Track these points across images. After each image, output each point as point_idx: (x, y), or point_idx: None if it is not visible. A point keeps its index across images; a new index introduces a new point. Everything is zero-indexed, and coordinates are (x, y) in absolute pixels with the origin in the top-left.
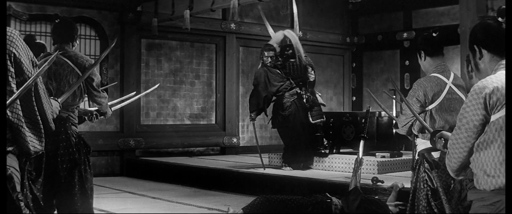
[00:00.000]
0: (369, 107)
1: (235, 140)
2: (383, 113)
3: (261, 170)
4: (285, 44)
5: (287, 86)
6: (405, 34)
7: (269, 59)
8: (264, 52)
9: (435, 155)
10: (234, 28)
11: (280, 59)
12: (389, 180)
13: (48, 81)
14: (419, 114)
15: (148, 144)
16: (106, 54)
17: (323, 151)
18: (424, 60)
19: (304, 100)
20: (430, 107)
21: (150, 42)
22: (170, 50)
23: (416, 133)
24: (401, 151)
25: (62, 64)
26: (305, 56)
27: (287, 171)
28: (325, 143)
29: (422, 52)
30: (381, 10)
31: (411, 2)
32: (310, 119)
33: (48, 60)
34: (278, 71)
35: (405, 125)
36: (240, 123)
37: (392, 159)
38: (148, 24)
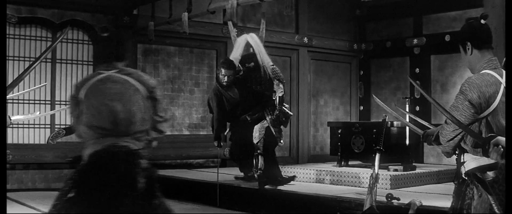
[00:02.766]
0: (386, 115)
1: None
2: (395, 123)
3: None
4: (248, 53)
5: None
6: (415, 41)
7: (226, 79)
8: (222, 69)
9: (491, 174)
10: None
11: (241, 70)
12: (404, 196)
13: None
14: (472, 123)
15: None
16: (49, 51)
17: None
18: (471, 54)
19: (269, 119)
20: (487, 112)
21: (147, 47)
22: (168, 56)
23: (468, 148)
24: (413, 164)
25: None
26: (272, 66)
27: (294, 187)
28: (260, 165)
29: (468, 44)
30: (390, 15)
31: (421, 7)
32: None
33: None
34: (234, 92)
35: (452, 139)
36: None
37: (405, 172)
38: (144, 28)
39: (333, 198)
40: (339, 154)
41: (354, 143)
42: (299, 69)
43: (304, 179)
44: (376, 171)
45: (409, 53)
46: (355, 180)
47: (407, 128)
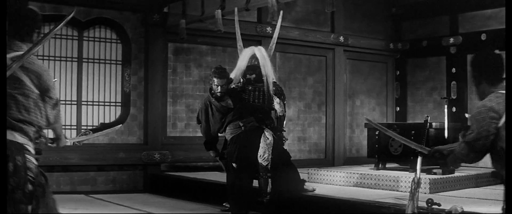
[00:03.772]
0: (428, 116)
1: None
2: (434, 123)
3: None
4: (251, 64)
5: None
6: (451, 40)
7: (219, 89)
8: (214, 79)
9: None
10: (270, 32)
11: (240, 81)
12: (444, 202)
13: None
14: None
15: (174, 157)
16: (50, 36)
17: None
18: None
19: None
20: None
21: (178, 46)
22: (200, 55)
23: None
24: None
25: None
26: (274, 82)
27: (329, 191)
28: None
29: (480, 78)
30: (426, 14)
31: (456, 5)
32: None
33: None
34: (227, 102)
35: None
36: None
37: (444, 176)
38: (175, 26)
39: (372, 203)
40: (376, 156)
41: (392, 145)
42: (335, 69)
43: (340, 183)
44: (418, 175)
45: (445, 52)
46: (394, 183)
47: (446, 129)
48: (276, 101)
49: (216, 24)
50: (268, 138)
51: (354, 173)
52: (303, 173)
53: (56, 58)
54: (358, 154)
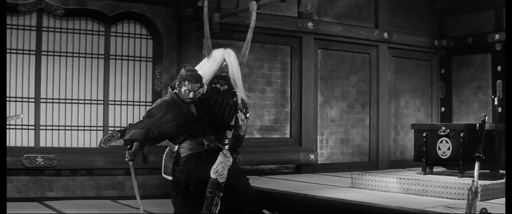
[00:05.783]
0: (486, 116)
1: (312, 156)
2: (488, 125)
3: (342, 195)
4: (225, 73)
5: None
6: (497, 36)
7: (191, 95)
8: (187, 83)
9: None
10: (311, 27)
11: (205, 88)
12: (498, 211)
13: None
14: None
15: None
16: None
17: None
18: None
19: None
20: None
21: (213, 42)
22: (237, 52)
23: None
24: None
25: None
26: (245, 94)
27: (375, 198)
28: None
29: None
30: (471, 9)
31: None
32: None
33: None
34: (192, 110)
35: None
36: (318, 137)
37: (495, 182)
38: (209, 21)
39: (420, 212)
40: (423, 160)
41: (439, 147)
42: (379, 67)
43: (386, 189)
44: (476, 184)
45: (491, 49)
46: (443, 190)
47: (496, 129)
48: (241, 118)
49: (250, 16)
50: (227, 156)
51: (400, 178)
52: (346, 178)
53: (81, 55)
54: (402, 157)
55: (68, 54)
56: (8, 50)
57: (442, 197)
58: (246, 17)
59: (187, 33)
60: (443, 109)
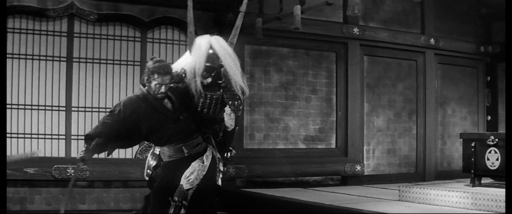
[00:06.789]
0: None
1: (359, 167)
2: None
3: (390, 209)
4: (211, 66)
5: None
6: None
7: (162, 89)
8: (156, 76)
9: None
10: (357, 33)
11: (183, 78)
12: None
13: None
14: None
15: (252, 172)
16: None
17: None
18: None
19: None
20: None
21: (256, 49)
22: (280, 59)
23: None
24: None
25: None
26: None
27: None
28: None
29: None
30: None
31: None
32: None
33: None
34: (166, 105)
35: None
36: (365, 147)
37: None
38: (251, 26)
39: None
40: (472, 171)
41: (488, 158)
42: (425, 75)
43: (434, 202)
44: None
45: None
46: (493, 203)
47: None
48: (227, 113)
49: (294, 21)
50: (203, 160)
51: (449, 191)
52: (393, 189)
53: (116, 62)
54: (449, 168)
55: (101, 61)
56: (37, 57)
57: (492, 211)
58: (289, 22)
59: (227, 38)
60: (489, 118)
